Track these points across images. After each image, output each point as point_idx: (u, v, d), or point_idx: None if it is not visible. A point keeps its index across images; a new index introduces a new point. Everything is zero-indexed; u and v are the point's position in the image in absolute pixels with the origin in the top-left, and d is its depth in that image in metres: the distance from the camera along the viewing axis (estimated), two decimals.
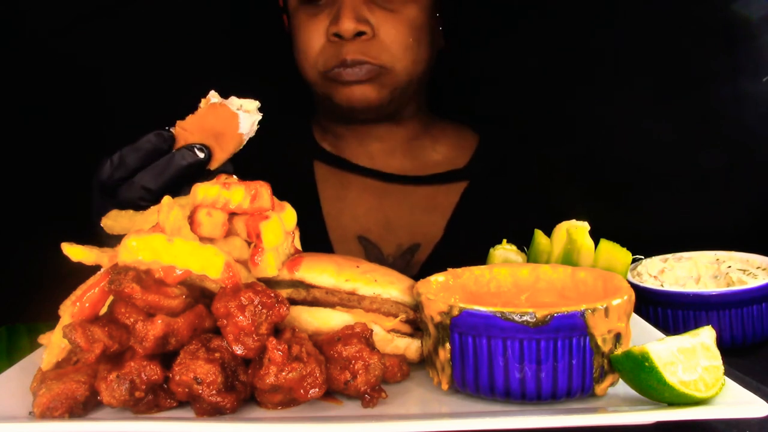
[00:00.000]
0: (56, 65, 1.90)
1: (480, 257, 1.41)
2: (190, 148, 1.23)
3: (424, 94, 1.89)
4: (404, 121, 1.88)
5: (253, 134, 1.26)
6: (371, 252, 1.82)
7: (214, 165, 1.26)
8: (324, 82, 1.73)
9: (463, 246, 1.77)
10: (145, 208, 1.18)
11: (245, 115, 1.23)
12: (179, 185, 1.23)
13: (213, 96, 1.23)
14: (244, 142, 1.26)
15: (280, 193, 1.12)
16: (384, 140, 1.90)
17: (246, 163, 1.30)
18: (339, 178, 1.90)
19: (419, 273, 1.78)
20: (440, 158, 1.93)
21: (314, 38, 1.70)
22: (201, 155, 1.23)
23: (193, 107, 1.24)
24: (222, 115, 1.23)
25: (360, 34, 1.65)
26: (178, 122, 1.25)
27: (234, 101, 1.23)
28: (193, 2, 1.99)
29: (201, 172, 1.24)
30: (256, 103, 1.24)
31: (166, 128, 1.25)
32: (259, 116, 1.24)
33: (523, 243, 1.43)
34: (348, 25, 1.62)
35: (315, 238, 1.27)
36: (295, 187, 1.25)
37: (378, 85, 1.70)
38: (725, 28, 1.83)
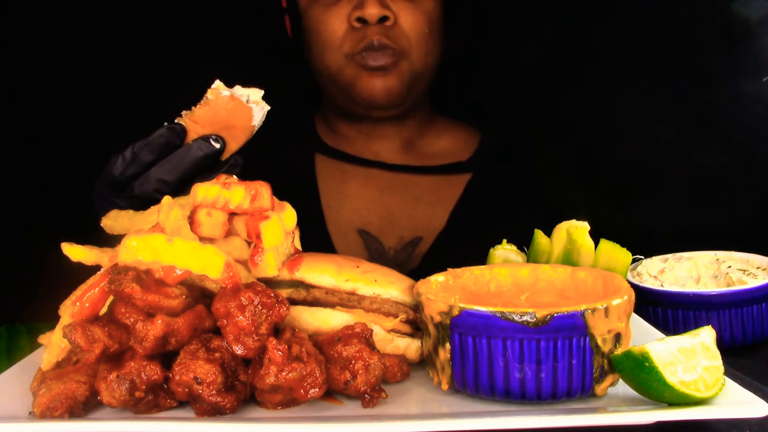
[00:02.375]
0: (57, 65, 1.90)
1: (481, 250, 1.41)
2: (205, 139, 1.24)
3: (428, 92, 1.91)
4: (409, 120, 1.90)
5: (261, 124, 1.27)
6: (372, 245, 1.82)
7: (225, 155, 1.27)
8: (349, 67, 1.73)
9: (466, 238, 1.78)
10: (160, 201, 1.18)
11: (257, 108, 1.24)
12: (194, 177, 1.24)
13: (221, 87, 1.23)
14: (254, 133, 1.27)
15: (278, 185, 1.12)
16: (389, 138, 1.91)
17: (245, 154, 1.30)
18: (340, 170, 1.90)
19: (420, 265, 1.78)
20: (444, 152, 1.95)
21: (336, 24, 1.73)
22: (217, 146, 1.24)
23: (195, 101, 1.25)
24: (235, 107, 1.23)
25: (383, 19, 1.69)
26: (187, 114, 1.25)
27: (240, 90, 1.24)
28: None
29: (215, 163, 1.26)
30: (261, 92, 1.25)
31: (175, 121, 1.25)
32: (268, 107, 1.25)
33: (523, 243, 1.43)
34: (373, 10, 1.67)
35: (313, 230, 1.28)
36: (293, 179, 1.25)
37: (398, 75, 1.73)
38: (725, 28, 1.82)
